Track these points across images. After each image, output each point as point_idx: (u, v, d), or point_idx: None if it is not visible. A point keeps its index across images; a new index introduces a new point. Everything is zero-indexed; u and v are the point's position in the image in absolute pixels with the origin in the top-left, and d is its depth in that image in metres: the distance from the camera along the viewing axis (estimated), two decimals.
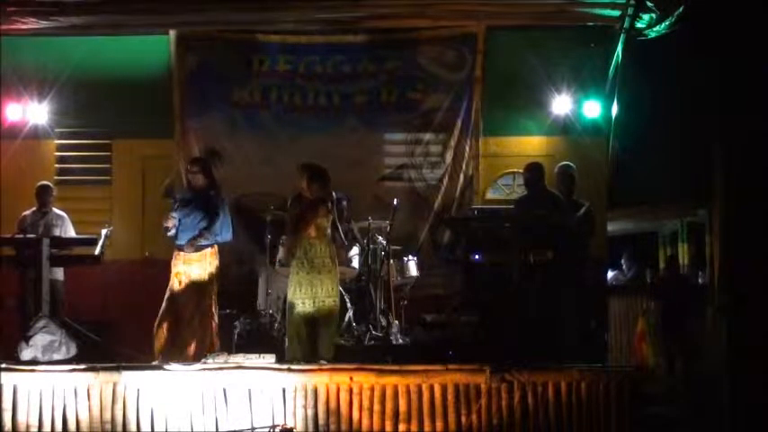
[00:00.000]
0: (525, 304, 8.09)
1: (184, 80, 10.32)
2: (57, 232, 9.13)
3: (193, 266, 8.28)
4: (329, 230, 8.17)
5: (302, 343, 7.96)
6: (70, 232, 9.28)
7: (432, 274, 9.99)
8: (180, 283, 8.25)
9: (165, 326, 8.17)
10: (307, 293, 8.01)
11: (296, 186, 8.32)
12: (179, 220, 8.30)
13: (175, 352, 8.04)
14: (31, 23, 9.68)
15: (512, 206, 9.16)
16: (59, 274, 9.12)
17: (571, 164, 8.92)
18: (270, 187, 10.11)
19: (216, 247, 8.41)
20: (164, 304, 8.24)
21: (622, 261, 13.12)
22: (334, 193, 8.24)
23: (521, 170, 9.38)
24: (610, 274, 13.14)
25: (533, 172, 8.67)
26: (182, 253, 8.30)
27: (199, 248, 8.29)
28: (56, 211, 9.37)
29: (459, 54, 10.32)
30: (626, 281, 12.94)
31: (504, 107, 10.25)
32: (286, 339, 8.17)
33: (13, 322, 8.55)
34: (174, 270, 8.30)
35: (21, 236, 8.51)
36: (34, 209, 9.31)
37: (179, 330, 8.17)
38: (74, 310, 9.01)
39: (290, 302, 8.06)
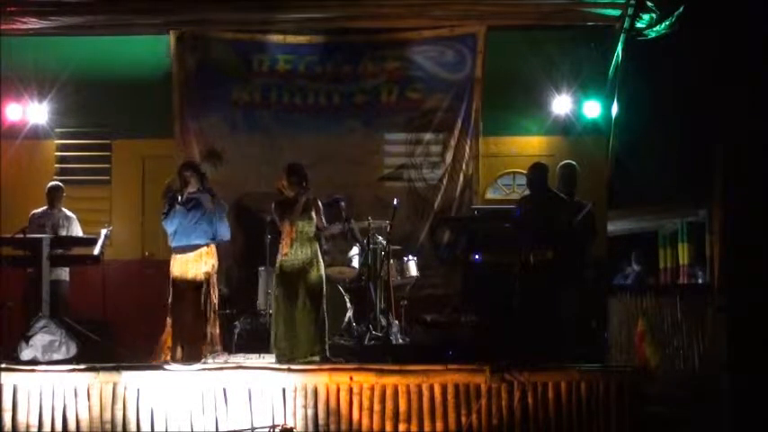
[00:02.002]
0: (525, 304, 8.08)
1: (184, 80, 10.32)
2: (63, 232, 9.14)
3: (190, 267, 8.25)
4: (312, 232, 8.09)
5: (286, 341, 7.90)
6: (77, 232, 9.28)
7: (432, 274, 9.99)
8: (178, 286, 8.20)
9: (172, 333, 8.14)
10: (292, 295, 7.96)
11: (279, 187, 8.24)
12: (175, 224, 8.26)
13: (178, 353, 8.02)
14: (32, 23, 9.69)
15: (512, 206, 9.13)
16: (65, 274, 9.13)
17: (573, 163, 8.91)
18: (270, 187, 10.02)
19: (213, 246, 8.38)
20: (170, 312, 8.20)
21: (632, 260, 13.16)
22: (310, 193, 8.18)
23: (521, 170, 9.38)
24: (618, 273, 13.18)
25: (537, 172, 8.65)
26: (178, 256, 8.26)
27: (195, 248, 8.26)
28: (65, 211, 9.38)
29: (460, 54, 10.32)
30: (632, 280, 12.95)
31: (505, 107, 10.24)
32: (272, 334, 8.07)
33: (14, 322, 8.55)
34: (172, 275, 8.25)
35: (20, 236, 8.51)
36: (44, 208, 9.32)
37: (182, 333, 8.14)
38: (74, 310, 9.00)
39: (275, 303, 8.04)
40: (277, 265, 8.10)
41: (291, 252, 8.03)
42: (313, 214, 8.14)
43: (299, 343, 7.89)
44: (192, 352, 8.06)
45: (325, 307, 8.07)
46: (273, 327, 8.03)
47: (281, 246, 8.15)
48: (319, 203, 8.25)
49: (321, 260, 8.16)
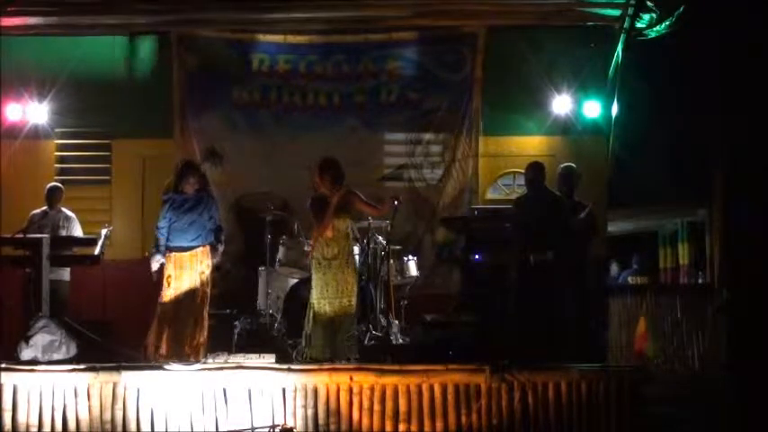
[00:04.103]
0: (525, 304, 8.09)
1: (184, 80, 10.32)
2: (63, 233, 9.13)
3: (185, 268, 8.20)
4: (348, 231, 8.12)
5: (323, 342, 7.92)
6: (77, 233, 9.28)
7: (432, 274, 9.99)
8: (173, 287, 8.15)
9: (159, 332, 8.10)
10: (332, 294, 7.97)
11: (313, 184, 8.21)
12: (172, 222, 8.23)
13: (170, 354, 8.00)
14: (32, 23, 9.69)
15: (511, 206, 9.14)
16: (65, 274, 9.12)
17: (573, 165, 8.92)
18: (270, 187, 10.12)
19: (208, 246, 8.36)
20: (158, 310, 8.15)
21: (633, 260, 13.21)
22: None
23: (521, 170, 9.37)
24: (623, 272, 13.22)
25: (535, 171, 8.67)
26: (173, 254, 8.20)
27: (190, 249, 8.25)
28: (65, 211, 9.37)
29: (460, 54, 10.32)
30: (632, 278, 13.01)
31: (505, 107, 10.25)
32: (302, 339, 8.07)
33: (14, 322, 8.55)
34: (165, 273, 8.19)
35: (20, 235, 8.51)
36: (44, 208, 9.32)
37: (173, 333, 8.12)
38: (74, 310, 9.00)
39: (312, 303, 8.01)
40: (313, 263, 8.04)
41: (327, 251, 8.00)
42: (357, 209, 8.11)
43: (331, 346, 7.90)
44: (184, 353, 8.02)
45: (354, 305, 8.07)
46: (308, 330, 7.98)
47: (313, 244, 8.12)
48: (358, 193, 8.12)
49: (355, 258, 8.15)
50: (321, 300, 7.98)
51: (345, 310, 7.99)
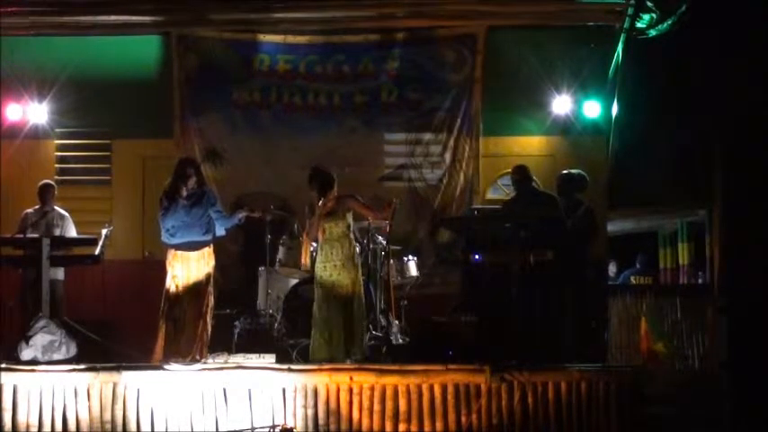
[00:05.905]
0: (525, 304, 8.09)
1: (184, 80, 10.32)
2: (57, 231, 9.13)
3: (191, 267, 8.18)
4: (346, 234, 8.12)
5: (328, 341, 7.93)
6: (71, 231, 9.28)
7: (432, 274, 9.99)
8: (177, 286, 8.13)
9: (165, 328, 8.11)
10: (329, 294, 8.00)
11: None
12: (177, 220, 8.22)
13: (172, 353, 7.99)
14: (32, 23, 9.69)
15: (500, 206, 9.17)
16: (59, 273, 9.12)
17: (583, 174, 8.96)
18: (270, 187, 10.12)
19: (212, 246, 8.36)
20: (162, 307, 8.14)
21: (637, 260, 13.22)
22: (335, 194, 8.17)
23: None
24: (625, 272, 13.25)
25: (520, 173, 8.75)
26: (179, 253, 8.19)
27: (197, 247, 8.24)
28: (58, 210, 9.37)
29: (460, 54, 10.32)
30: (635, 278, 13.03)
31: (505, 107, 10.24)
32: (312, 339, 8.06)
33: (14, 322, 8.55)
34: (171, 272, 8.16)
35: (21, 236, 8.51)
36: (37, 207, 9.32)
37: (177, 332, 8.12)
38: (74, 310, 9.00)
39: (315, 306, 8.04)
40: (316, 270, 8.10)
41: (323, 255, 8.04)
42: (348, 215, 8.12)
43: (334, 348, 7.89)
44: (187, 353, 8.02)
45: (358, 306, 8.08)
46: (313, 334, 8.00)
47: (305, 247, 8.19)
48: (357, 198, 8.20)
49: (357, 260, 8.16)
50: (320, 304, 8.00)
51: (341, 313, 7.96)
